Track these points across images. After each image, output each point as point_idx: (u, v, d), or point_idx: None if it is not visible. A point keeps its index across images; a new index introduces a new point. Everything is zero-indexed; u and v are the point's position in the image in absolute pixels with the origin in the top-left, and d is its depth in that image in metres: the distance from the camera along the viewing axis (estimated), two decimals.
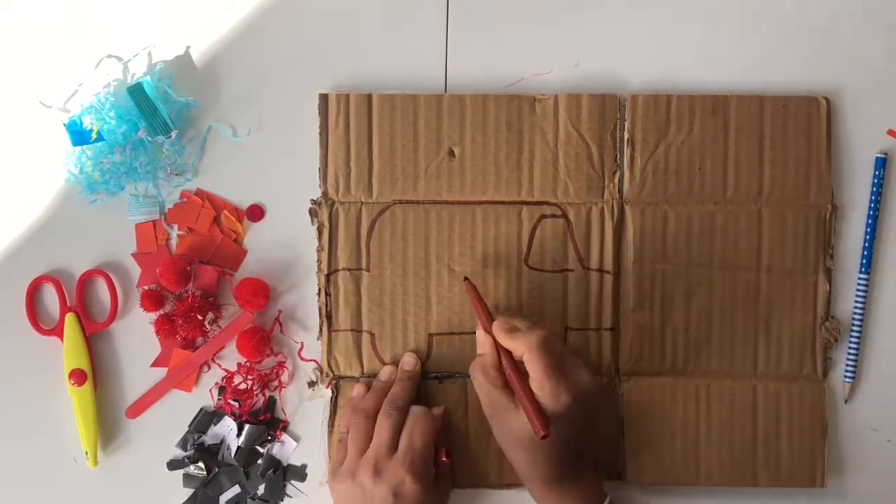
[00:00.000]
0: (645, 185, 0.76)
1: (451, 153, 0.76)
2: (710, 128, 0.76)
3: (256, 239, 0.78)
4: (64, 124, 0.77)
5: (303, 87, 0.77)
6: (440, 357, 0.76)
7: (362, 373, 0.76)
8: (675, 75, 0.78)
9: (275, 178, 0.78)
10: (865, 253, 0.77)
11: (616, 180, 0.76)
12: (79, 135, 0.77)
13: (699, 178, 0.76)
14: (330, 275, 0.76)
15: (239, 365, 0.78)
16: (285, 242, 0.78)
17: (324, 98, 0.76)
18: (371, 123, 0.76)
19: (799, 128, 0.76)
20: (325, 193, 0.76)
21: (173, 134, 0.77)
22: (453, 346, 0.76)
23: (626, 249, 0.76)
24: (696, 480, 0.76)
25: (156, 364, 0.78)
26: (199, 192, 0.79)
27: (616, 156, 0.76)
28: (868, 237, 0.77)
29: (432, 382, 0.77)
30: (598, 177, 0.76)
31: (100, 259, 0.79)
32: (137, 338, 0.79)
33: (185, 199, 0.79)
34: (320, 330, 0.76)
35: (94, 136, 0.77)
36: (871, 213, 0.77)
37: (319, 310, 0.76)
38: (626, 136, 0.76)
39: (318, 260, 0.76)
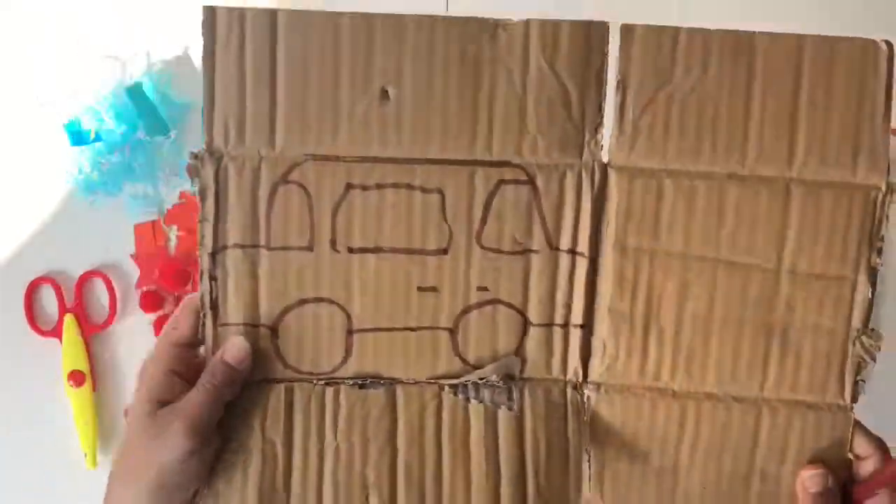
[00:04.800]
0: (636, 145, 0.58)
1: (385, 94, 0.56)
2: (728, 73, 0.57)
3: None
4: (63, 125, 0.78)
5: None
6: (363, 359, 0.59)
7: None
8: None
9: None
10: None
11: (599, 137, 0.58)
12: (77, 135, 0.78)
13: (710, 140, 0.58)
14: (216, 254, 0.57)
15: None
16: None
17: (209, 13, 0.55)
18: (275, 48, 0.55)
19: (850, 79, 0.57)
20: (209, 144, 0.56)
21: (172, 134, 0.78)
22: (380, 346, 0.59)
23: (608, 227, 0.59)
24: None
25: None
26: None
27: (601, 104, 0.58)
28: None
29: (351, 389, 0.60)
30: (576, 131, 0.57)
31: (99, 260, 0.79)
32: (137, 339, 0.79)
33: (184, 200, 0.79)
34: (202, 324, 0.58)
35: (92, 136, 0.77)
36: None
37: (201, 298, 0.58)
38: (616, 77, 0.57)
39: (200, 234, 0.57)
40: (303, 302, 0.58)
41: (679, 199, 0.58)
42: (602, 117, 0.57)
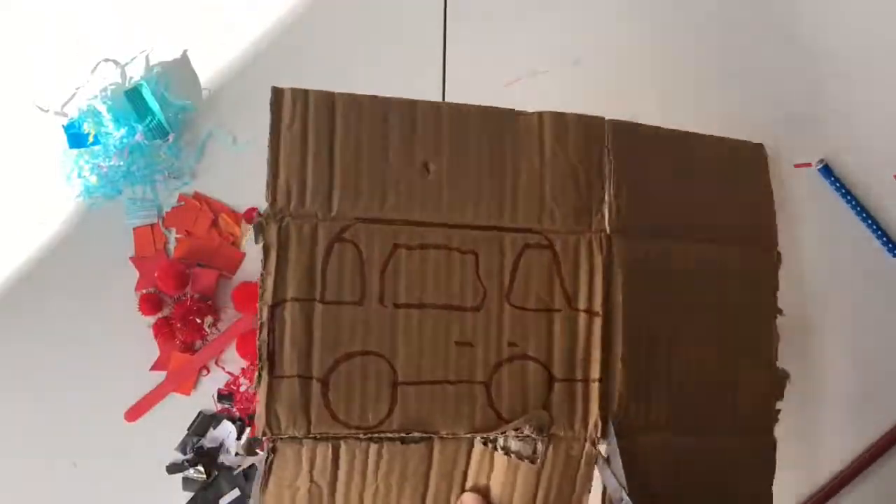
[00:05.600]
0: (630, 217, 0.67)
1: (426, 167, 0.64)
2: (678, 161, 0.71)
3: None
4: (62, 126, 0.78)
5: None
6: (406, 411, 0.62)
7: (308, 431, 0.60)
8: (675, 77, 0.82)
9: None
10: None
11: (603, 209, 0.67)
12: (76, 138, 0.78)
13: (676, 213, 0.70)
14: (275, 306, 0.61)
15: (243, 369, 0.78)
16: None
17: (278, 93, 0.62)
18: (333, 125, 0.63)
19: (748, 172, 0.74)
20: (273, 206, 0.61)
21: (171, 137, 0.78)
22: (422, 399, 0.63)
23: (615, 288, 0.67)
24: None
25: (155, 367, 0.78)
26: (196, 196, 0.79)
27: (604, 183, 0.68)
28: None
29: (394, 444, 0.62)
30: (584, 204, 0.67)
31: (97, 263, 0.78)
32: (136, 341, 0.78)
33: (182, 203, 0.79)
34: (259, 376, 0.60)
35: (91, 139, 0.77)
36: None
37: (259, 350, 0.60)
38: (611, 161, 0.68)
39: (261, 288, 0.61)
40: (351, 355, 0.62)
41: (664, 262, 0.68)
42: (605, 193, 0.67)
